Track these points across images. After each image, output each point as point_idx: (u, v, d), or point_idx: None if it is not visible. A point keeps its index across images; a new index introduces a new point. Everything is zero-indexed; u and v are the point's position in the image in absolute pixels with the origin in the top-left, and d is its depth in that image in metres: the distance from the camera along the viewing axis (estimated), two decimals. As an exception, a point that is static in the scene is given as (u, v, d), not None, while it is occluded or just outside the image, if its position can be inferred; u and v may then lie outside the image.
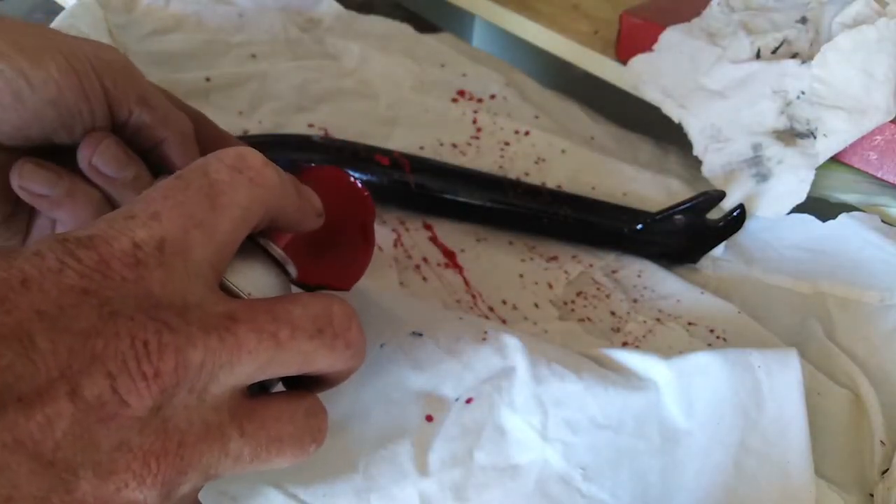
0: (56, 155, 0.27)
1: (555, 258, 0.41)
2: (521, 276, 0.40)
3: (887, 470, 0.30)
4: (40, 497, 0.16)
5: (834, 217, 0.41)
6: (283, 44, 0.52)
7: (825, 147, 0.40)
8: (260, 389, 0.22)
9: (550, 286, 0.39)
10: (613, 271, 0.41)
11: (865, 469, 0.31)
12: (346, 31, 0.55)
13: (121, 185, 0.27)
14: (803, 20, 0.42)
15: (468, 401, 0.29)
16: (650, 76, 0.46)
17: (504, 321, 0.37)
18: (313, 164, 0.28)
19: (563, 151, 0.47)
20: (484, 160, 0.46)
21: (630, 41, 0.48)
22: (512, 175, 0.45)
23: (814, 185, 0.40)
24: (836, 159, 0.42)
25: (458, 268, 0.40)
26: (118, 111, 0.27)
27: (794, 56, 0.41)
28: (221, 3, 0.54)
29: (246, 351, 0.19)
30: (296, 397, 0.22)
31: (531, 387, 0.29)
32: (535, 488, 0.28)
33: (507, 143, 0.47)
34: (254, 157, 0.22)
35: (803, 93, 0.41)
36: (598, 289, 0.40)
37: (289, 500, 0.26)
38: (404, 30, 0.56)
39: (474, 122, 0.49)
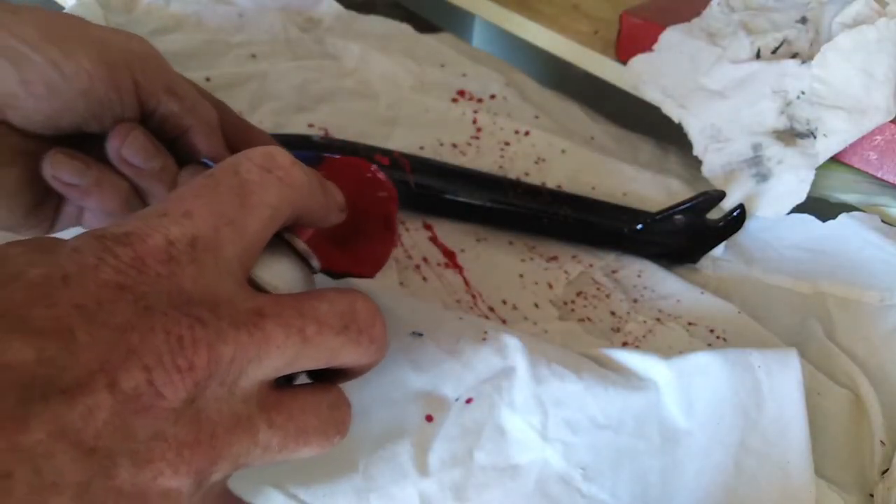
0: (83, 143, 0.28)
1: (555, 258, 0.41)
2: (521, 276, 0.40)
3: (887, 470, 0.30)
4: (83, 483, 0.16)
5: (834, 217, 0.41)
6: (283, 44, 0.52)
7: (825, 147, 0.40)
8: (285, 380, 0.23)
9: (550, 286, 0.39)
10: (613, 271, 0.41)
11: (865, 469, 0.31)
12: (346, 31, 0.55)
13: (148, 176, 0.28)
14: (803, 20, 0.42)
15: (468, 401, 0.29)
16: (650, 76, 0.46)
17: (504, 321, 0.37)
18: (337, 156, 0.28)
19: (563, 151, 0.47)
20: (484, 160, 0.46)
21: (630, 41, 0.48)
22: (512, 175, 0.45)
23: (814, 185, 0.40)
24: (836, 159, 0.42)
25: (458, 268, 0.40)
26: (147, 101, 0.28)
27: (794, 56, 0.41)
28: (221, 3, 0.54)
29: (274, 346, 0.20)
30: (321, 390, 0.23)
31: (531, 387, 0.29)
32: (535, 488, 0.28)
33: (507, 143, 0.47)
34: (282, 156, 0.22)
35: (803, 93, 0.41)
36: (598, 289, 0.40)
37: (289, 500, 0.26)
38: (404, 30, 0.56)
39: (474, 122, 0.49)
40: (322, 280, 0.26)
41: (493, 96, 0.51)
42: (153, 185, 0.28)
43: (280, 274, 0.23)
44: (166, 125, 0.29)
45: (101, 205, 0.28)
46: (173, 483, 0.18)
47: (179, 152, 0.29)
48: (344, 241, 0.29)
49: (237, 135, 0.31)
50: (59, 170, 0.27)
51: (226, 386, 0.19)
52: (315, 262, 0.24)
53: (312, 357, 0.21)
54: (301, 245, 0.24)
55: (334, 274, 0.28)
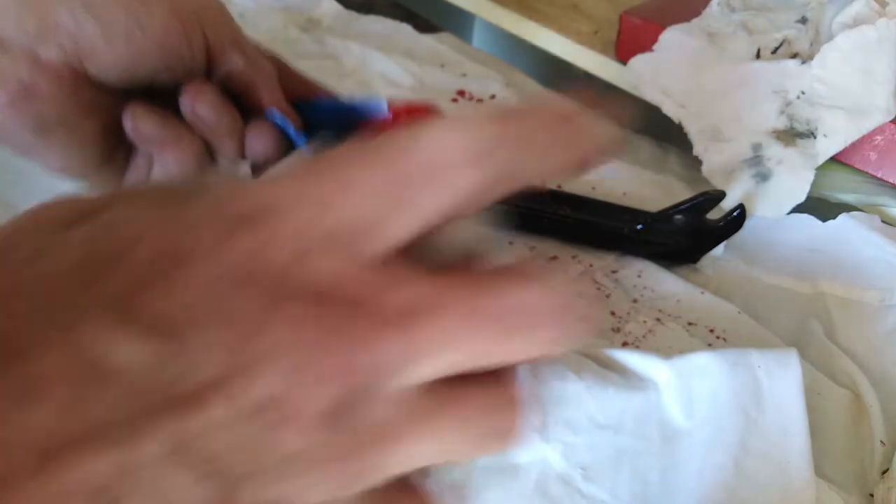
0: (152, 99, 0.29)
1: (555, 258, 0.41)
2: (521, 276, 0.40)
3: (887, 470, 0.30)
4: None
5: (834, 217, 0.41)
6: (283, 44, 0.52)
7: (825, 147, 0.40)
8: None
9: (550, 286, 0.39)
10: (613, 271, 0.41)
11: (865, 469, 0.31)
12: (346, 31, 0.55)
13: (218, 131, 0.29)
14: (803, 20, 0.42)
15: (468, 401, 0.29)
16: (650, 76, 0.46)
17: (504, 321, 0.37)
18: (403, 102, 0.29)
19: (563, 151, 0.47)
20: (484, 160, 0.46)
21: (630, 41, 0.48)
22: (512, 175, 0.45)
23: (814, 185, 0.40)
24: (836, 159, 0.42)
25: (458, 268, 0.40)
26: (215, 55, 0.29)
27: (794, 56, 0.41)
28: (221, 3, 0.54)
29: (427, 350, 0.16)
30: (485, 389, 0.18)
31: (531, 386, 0.29)
32: (535, 488, 0.27)
33: (507, 143, 0.47)
34: (454, 151, 0.17)
35: (803, 93, 0.41)
36: (598, 289, 0.40)
37: (289, 500, 0.26)
38: (404, 30, 0.56)
39: (474, 122, 0.49)
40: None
41: (493, 96, 0.51)
42: (222, 141, 0.29)
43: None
44: (231, 81, 0.29)
45: (177, 158, 0.28)
46: None
47: (241, 109, 0.30)
48: None
49: (294, 87, 0.32)
50: (140, 122, 0.28)
51: (370, 394, 0.15)
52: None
53: (465, 361, 0.16)
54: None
55: None
